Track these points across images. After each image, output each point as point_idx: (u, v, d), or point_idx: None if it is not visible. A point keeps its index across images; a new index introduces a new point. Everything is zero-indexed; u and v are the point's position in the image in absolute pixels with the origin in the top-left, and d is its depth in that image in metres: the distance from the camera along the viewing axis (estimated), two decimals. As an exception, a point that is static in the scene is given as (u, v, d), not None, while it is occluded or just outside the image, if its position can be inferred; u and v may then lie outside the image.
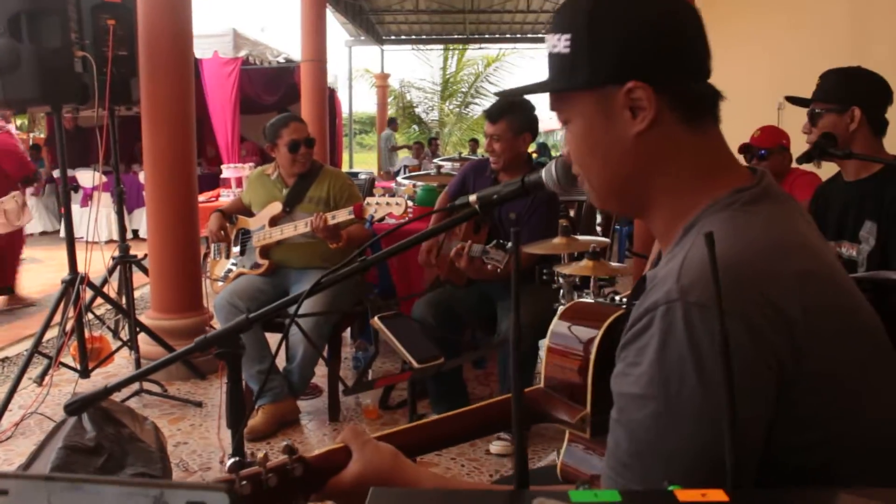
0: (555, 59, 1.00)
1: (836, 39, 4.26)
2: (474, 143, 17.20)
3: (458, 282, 3.41)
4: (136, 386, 3.80)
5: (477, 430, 1.29)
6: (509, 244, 3.19)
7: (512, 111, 3.38)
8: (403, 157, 15.01)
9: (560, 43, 0.98)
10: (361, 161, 21.05)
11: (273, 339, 3.80)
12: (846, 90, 2.25)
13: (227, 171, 7.19)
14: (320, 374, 3.83)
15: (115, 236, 4.21)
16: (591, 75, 0.96)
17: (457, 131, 22.75)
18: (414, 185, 5.37)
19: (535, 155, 12.44)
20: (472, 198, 1.32)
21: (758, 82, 5.04)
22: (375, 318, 1.73)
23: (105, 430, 2.64)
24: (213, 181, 8.77)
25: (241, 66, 8.92)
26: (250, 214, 3.80)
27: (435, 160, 9.77)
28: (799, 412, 0.85)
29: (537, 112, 3.46)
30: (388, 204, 3.19)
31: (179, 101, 4.23)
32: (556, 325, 1.28)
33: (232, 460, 0.89)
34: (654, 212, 1.02)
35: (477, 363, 4.41)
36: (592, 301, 1.30)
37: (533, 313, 3.24)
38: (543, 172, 1.25)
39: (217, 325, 4.18)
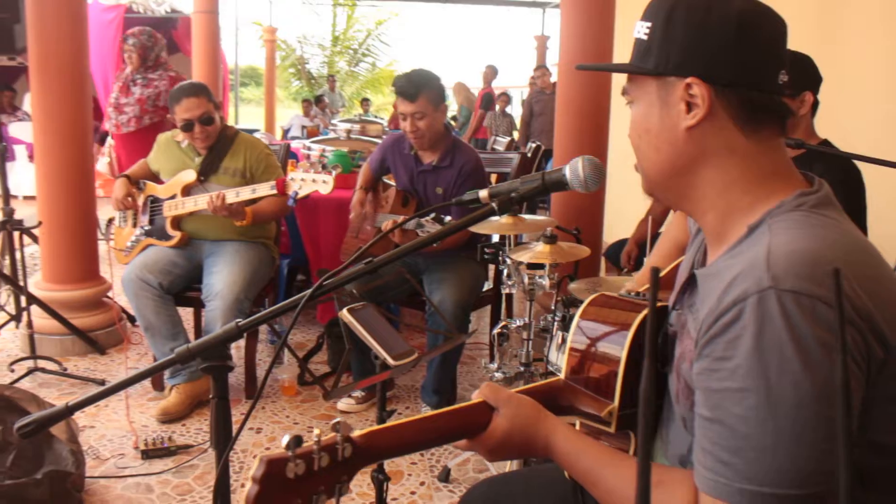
0: (636, 43, 1.06)
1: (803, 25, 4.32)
2: (366, 103, 16.87)
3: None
4: (29, 364, 3.49)
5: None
6: (447, 218, 3.09)
7: (429, 85, 3.17)
8: (294, 114, 14.52)
9: (642, 29, 1.04)
10: (247, 116, 20.24)
11: (185, 314, 3.57)
12: (798, 75, 2.28)
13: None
14: (233, 347, 3.65)
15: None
16: (658, 63, 1.01)
17: (347, 88, 22.24)
18: (323, 150, 5.19)
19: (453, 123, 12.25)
20: (483, 194, 1.23)
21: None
22: (344, 311, 1.61)
23: (9, 424, 2.39)
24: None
25: (124, 15, 8.30)
26: (158, 181, 3.53)
27: (333, 121, 9.48)
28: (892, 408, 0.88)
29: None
30: (314, 181, 3.02)
31: (73, 49, 3.82)
32: (583, 317, 1.25)
33: (288, 437, 0.87)
34: (703, 206, 1.04)
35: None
36: (615, 295, 1.27)
37: (469, 290, 3.17)
38: (568, 170, 1.17)
39: (121, 299, 3.89)
